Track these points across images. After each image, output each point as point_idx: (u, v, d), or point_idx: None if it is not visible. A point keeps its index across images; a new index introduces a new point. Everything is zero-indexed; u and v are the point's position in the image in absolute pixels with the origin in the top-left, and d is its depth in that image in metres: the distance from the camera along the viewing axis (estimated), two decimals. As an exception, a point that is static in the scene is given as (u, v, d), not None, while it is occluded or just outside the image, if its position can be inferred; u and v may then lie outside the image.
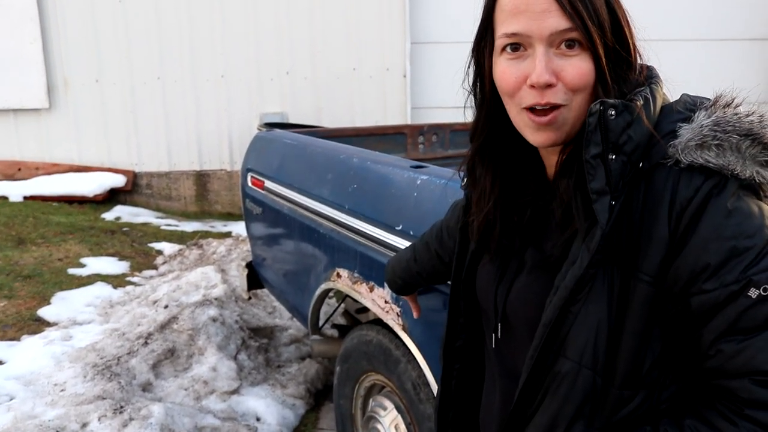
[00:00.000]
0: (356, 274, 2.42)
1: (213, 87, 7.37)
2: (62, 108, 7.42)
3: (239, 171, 5.16)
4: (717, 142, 0.89)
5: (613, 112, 0.92)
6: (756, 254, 0.86)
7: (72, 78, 7.35)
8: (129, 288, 4.81)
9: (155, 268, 5.42)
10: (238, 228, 6.46)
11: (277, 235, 3.23)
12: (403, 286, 1.69)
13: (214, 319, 3.72)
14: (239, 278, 3.92)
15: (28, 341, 3.82)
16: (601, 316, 0.94)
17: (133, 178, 7.54)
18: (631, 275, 0.93)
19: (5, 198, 6.96)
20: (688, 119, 0.94)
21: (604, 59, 0.94)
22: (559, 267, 0.99)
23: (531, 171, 1.12)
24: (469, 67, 1.11)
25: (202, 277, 4.40)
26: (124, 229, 6.44)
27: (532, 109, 0.97)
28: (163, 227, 6.71)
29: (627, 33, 0.97)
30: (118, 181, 7.39)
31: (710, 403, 0.91)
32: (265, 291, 3.83)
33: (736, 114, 0.92)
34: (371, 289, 2.32)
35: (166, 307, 4.06)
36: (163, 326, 3.71)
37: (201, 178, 7.58)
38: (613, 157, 0.92)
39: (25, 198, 6.99)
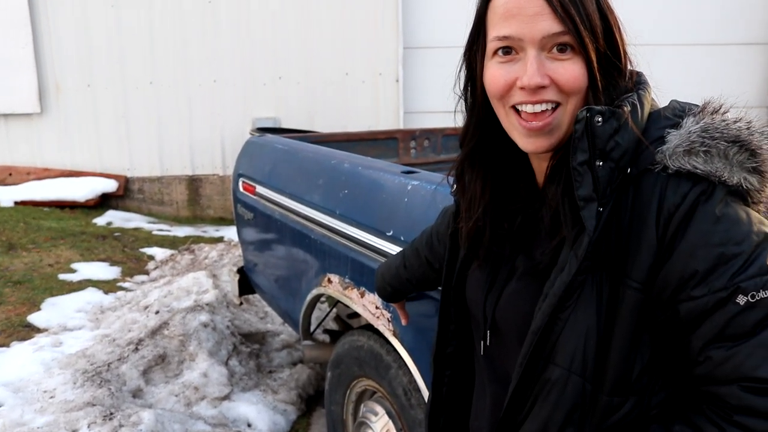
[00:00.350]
0: (347, 280, 2.42)
1: (205, 92, 7.36)
2: (54, 113, 7.40)
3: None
4: (705, 148, 0.89)
5: (600, 119, 0.91)
6: (744, 261, 0.86)
7: (64, 83, 7.33)
8: (120, 293, 4.79)
9: (147, 273, 5.40)
10: (231, 233, 6.44)
11: (268, 240, 3.22)
12: (392, 293, 1.68)
13: (205, 325, 3.70)
14: (231, 284, 3.90)
15: (18, 347, 3.79)
16: (590, 322, 0.94)
17: (125, 183, 7.51)
18: (619, 282, 0.93)
19: (-4, 203, 6.93)
20: (676, 125, 0.94)
21: (595, 64, 0.94)
22: (549, 274, 0.98)
23: (521, 177, 1.12)
24: (460, 71, 1.11)
25: (193, 282, 4.38)
26: (116, 234, 6.42)
27: (519, 112, 0.97)
28: (155, 232, 6.69)
29: (618, 39, 0.97)
30: (110, 186, 7.36)
31: (699, 409, 0.91)
32: (257, 296, 3.81)
33: (724, 120, 0.92)
34: (362, 295, 2.31)
35: (157, 312, 4.04)
36: (154, 332, 3.69)
37: (193, 182, 7.56)
38: (601, 163, 0.92)
39: (16, 203, 6.96)
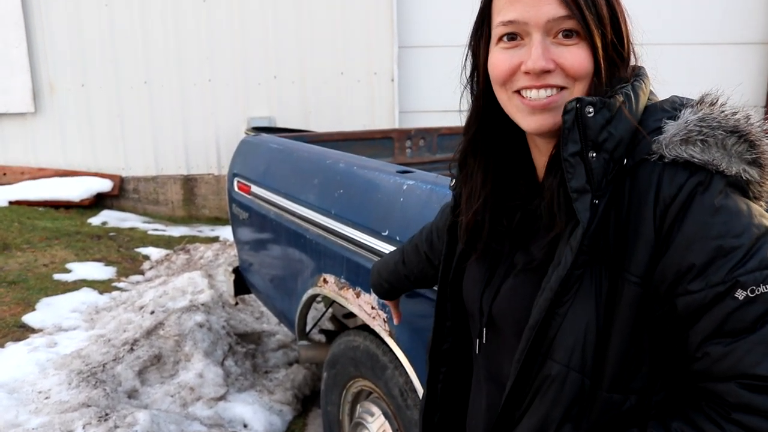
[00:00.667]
0: (343, 280, 2.41)
1: (200, 91, 7.34)
2: (48, 112, 7.37)
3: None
4: (702, 137, 0.88)
5: (591, 110, 0.91)
6: (743, 254, 0.84)
7: (58, 82, 7.31)
8: (115, 293, 4.78)
9: (142, 273, 5.39)
10: (226, 232, 6.43)
11: (263, 240, 3.21)
12: (389, 289, 1.66)
13: (200, 325, 3.69)
14: (226, 283, 3.90)
15: (12, 348, 3.77)
16: (589, 317, 0.93)
17: (120, 183, 7.49)
18: (618, 276, 0.92)
19: (-10, 203, 6.90)
20: (674, 117, 0.93)
21: (601, 51, 0.94)
22: (546, 269, 0.98)
23: (521, 173, 1.11)
24: (466, 60, 1.10)
25: (188, 282, 4.37)
26: (111, 234, 6.40)
27: (525, 96, 0.97)
28: (150, 232, 6.67)
29: (624, 28, 0.97)
30: (105, 185, 7.34)
31: (697, 405, 0.89)
32: (253, 296, 3.81)
33: (723, 111, 0.91)
34: (358, 295, 2.30)
35: (152, 312, 4.03)
36: (150, 332, 3.68)
37: (188, 182, 7.54)
38: (594, 155, 0.91)
39: (11, 203, 6.93)
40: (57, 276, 5.02)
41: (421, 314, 1.98)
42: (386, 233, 2.12)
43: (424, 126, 4.53)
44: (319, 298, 2.82)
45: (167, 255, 5.72)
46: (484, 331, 1.13)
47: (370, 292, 2.23)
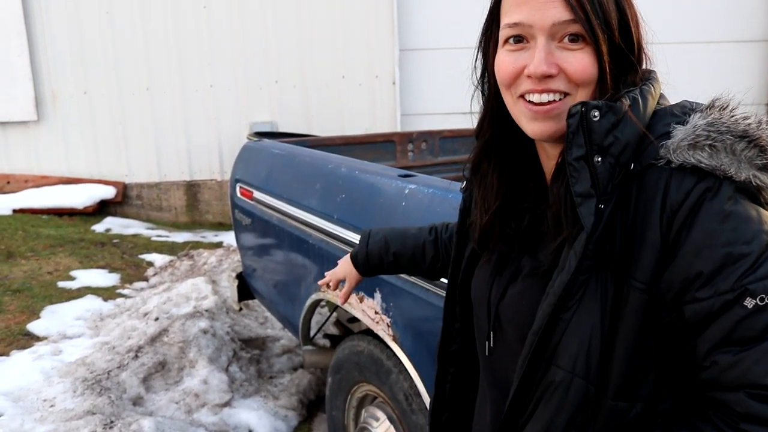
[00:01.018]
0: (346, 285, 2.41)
1: (202, 97, 7.35)
2: (51, 120, 7.38)
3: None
4: (710, 142, 0.86)
5: (596, 114, 0.89)
6: (753, 261, 0.82)
7: (60, 90, 7.32)
8: (119, 300, 4.78)
9: (146, 279, 5.39)
10: (229, 238, 6.43)
11: (266, 245, 3.21)
12: (392, 263, 1.55)
13: (204, 331, 3.69)
14: (230, 289, 3.90)
15: (17, 356, 3.78)
16: (593, 323, 0.91)
17: (123, 190, 7.50)
18: (624, 282, 0.91)
19: (-6, 211, 6.92)
20: (683, 122, 0.91)
21: (606, 56, 0.92)
22: (551, 274, 0.96)
23: (531, 176, 1.10)
24: (476, 61, 1.09)
25: (192, 288, 4.37)
26: (115, 240, 6.41)
27: (528, 101, 0.96)
28: (153, 238, 6.67)
29: (634, 33, 0.95)
30: (108, 192, 7.35)
31: (705, 415, 0.88)
32: (257, 301, 3.81)
33: (733, 116, 0.90)
34: (361, 300, 2.30)
35: (156, 319, 4.03)
36: (154, 339, 3.68)
37: (191, 188, 7.55)
38: (599, 159, 0.89)
39: (15, 211, 6.94)
40: (61, 283, 5.03)
41: (425, 318, 1.97)
42: (389, 238, 2.11)
43: (426, 129, 4.53)
44: (323, 303, 2.81)
45: (171, 261, 5.72)
46: (492, 334, 1.12)
47: (373, 297, 2.23)
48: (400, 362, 2.16)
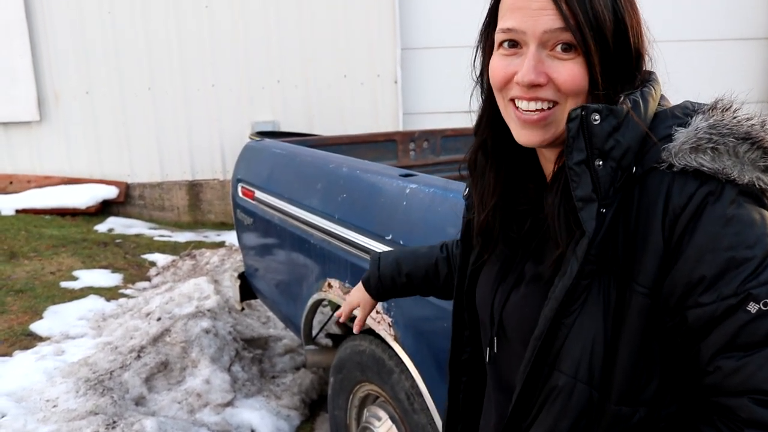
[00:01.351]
0: (347, 284, 2.41)
1: (204, 97, 7.36)
2: (53, 120, 7.39)
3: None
4: (712, 145, 0.86)
5: (597, 117, 0.89)
6: (756, 266, 0.82)
7: (62, 90, 7.33)
8: (122, 300, 4.78)
9: (148, 279, 5.40)
10: (232, 237, 6.43)
11: (268, 245, 3.21)
12: (405, 284, 1.51)
13: (207, 331, 3.69)
14: (232, 289, 3.90)
15: (20, 357, 3.79)
16: (596, 328, 0.91)
17: (126, 190, 7.51)
18: (626, 286, 0.90)
19: (-3, 212, 6.93)
20: (685, 124, 0.90)
21: (598, 66, 0.91)
22: (555, 275, 0.96)
23: (530, 177, 1.09)
24: (475, 59, 1.09)
25: (194, 288, 4.38)
26: (117, 240, 6.42)
27: (517, 106, 0.96)
28: (156, 238, 6.68)
29: (632, 41, 0.93)
30: (111, 192, 7.36)
31: (709, 419, 0.87)
32: (259, 301, 3.81)
33: (735, 117, 0.89)
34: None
35: (159, 319, 4.03)
36: (156, 339, 3.68)
37: (194, 187, 7.56)
38: (600, 163, 0.89)
39: (17, 211, 6.95)
40: (64, 284, 5.03)
41: (426, 318, 1.97)
42: (389, 237, 2.12)
43: (428, 128, 4.52)
44: (325, 302, 2.82)
45: (173, 261, 5.73)
46: (495, 340, 1.12)
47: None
48: (402, 362, 2.16)
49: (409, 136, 4.18)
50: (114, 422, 2.94)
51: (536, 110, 0.94)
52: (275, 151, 3.21)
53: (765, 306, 0.81)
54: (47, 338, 4.10)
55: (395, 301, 2.11)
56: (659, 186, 0.88)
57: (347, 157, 2.82)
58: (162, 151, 7.48)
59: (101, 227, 6.87)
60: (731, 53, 7.52)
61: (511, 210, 1.10)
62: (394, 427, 2.33)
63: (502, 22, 0.96)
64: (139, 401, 3.27)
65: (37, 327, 4.23)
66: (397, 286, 1.53)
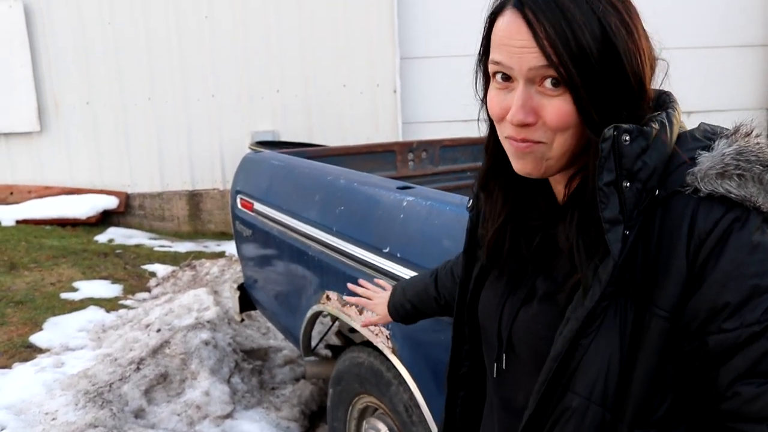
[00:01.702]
0: (345, 297, 2.41)
1: (204, 106, 7.37)
2: (53, 131, 7.41)
3: (231, 191, 5.14)
4: (739, 171, 0.85)
5: (627, 138, 0.87)
6: None
7: (63, 100, 7.35)
8: (122, 311, 4.79)
9: (148, 290, 5.40)
10: (232, 247, 6.42)
11: (267, 257, 3.21)
12: (410, 311, 1.58)
13: (206, 343, 3.69)
14: (232, 300, 3.90)
15: (20, 369, 3.78)
16: (612, 350, 0.90)
17: (126, 200, 7.52)
18: (645, 309, 0.89)
19: (-3, 222, 6.94)
20: (707, 147, 0.89)
21: (587, 99, 0.89)
22: (571, 298, 0.95)
23: (541, 192, 1.08)
24: (477, 82, 1.06)
25: (194, 299, 4.38)
26: (117, 251, 6.42)
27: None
28: (156, 248, 6.69)
29: (628, 66, 0.90)
30: (111, 202, 7.37)
31: None
32: (259, 311, 3.81)
33: (758, 144, 0.88)
34: (360, 312, 2.30)
35: (158, 331, 4.03)
36: (156, 351, 3.68)
37: (194, 197, 7.57)
38: (628, 184, 0.88)
39: (18, 222, 6.96)
40: (64, 295, 5.04)
41: (423, 330, 1.97)
42: (387, 250, 2.12)
43: (426, 138, 4.53)
44: (324, 314, 2.82)
45: (173, 271, 5.73)
46: (504, 357, 1.10)
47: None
48: (400, 374, 2.16)
49: (408, 147, 4.19)
50: (113, 435, 2.94)
51: (528, 140, 0.94)
52: (274, 163, 3.21)
53: None
54: (47, 350, 4.10)
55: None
56: (684, 210, 0.87)
57: (345, 169, 2.82)
58: (162, 161, 7.50)
59: (101, 237, 6.88)
60: (728, 60, 7.54)
61: (521, 225, 1.09)
62: (393, 439, 2.33)
63: (493, 54, 0.95)
64: (139, 414, 3.27)
65: (36, 339, 4.23)
66: (408, 312, 1.59)
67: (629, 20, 0.91)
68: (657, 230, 0.89)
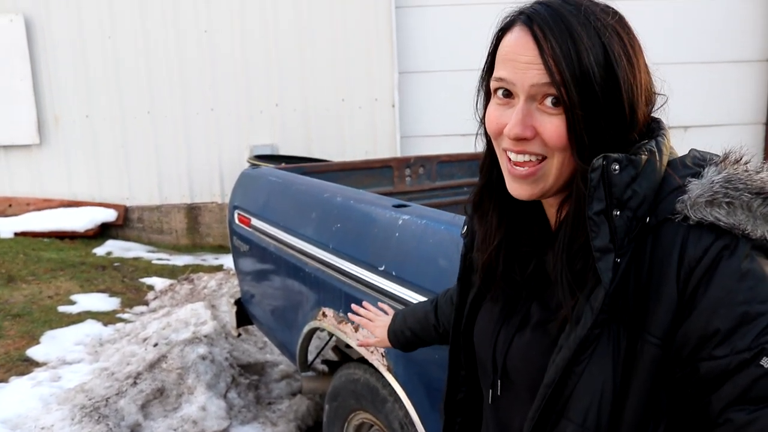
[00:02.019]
0: (341, 314, 2.42)
1: (203, 120, 7.40)
2: (53, 144, 7.44)
3: (229, 205, 5.15)
4: (728, 199, 0.86)
5: (617, 167, 0.88)
6: None
7: (62, 114, 7.38)
8: (119, 325, 4.79)
9: (146, 303, 5.40)
10: (230, 261, 6.41)
11: (264, 272, 3.23)
12: (411, 339, 1.58)
13: (203, 357, 3.70)
14: (229, 314, 3.91)
15: (16, 383, 3.78)
16: (605, 377, 0.91)
17: (125, 213, 7.53)
18: (637, 336, 0.90)
19: (-4, 235, 6.95)
20: (696, 174, 0.90)
21: (582, 122, 0.90)
22: (563, 326, 0.96)
23: (534, 218, 1.09)
24: (478, 101, 1.08)
25: (191, 313, 4.38)
26: (116, 264, 6.43)
27: (509, 157, 0.97)
28: (154, 261, 6.69)
29: (625, 96, 0.91)
30: (110, 215, 7.38)
31: None
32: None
33: (747, 171, 0.89)
34: (356, 329, 2.31)
35: (155, 345, 4.03)
36: (152, 365, 3.69)
37: (192, 211, 7.58)
38: (618, 213, 0.89)
39: (16, 234, 6.97)
40: (62, 308, 5.04)
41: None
42: (382, 268, 2.13)
43: (424, 153, 4.55)
44: (320, 329, 2.83)
45: (171, 285, 5.73)
46: (498, 383, 1.11)
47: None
48: (395, 391, 2.17)
49: (405, 162, 4.21)
50: (109, 450, 2.94)
51: (525, 163, 0.95)
52: (271, 179, 3.23)
53: None
54: (44, 364, 4.10)
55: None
56: (674, 237, 0.88)
57: (342, 186, 2.84)
58: (161, 175, 7.52)
59: (100, 250, 6.89)
60: (728, 75, 7.58)
61: (514, 250, 1.10)
62: (388, 456, 2.33)
63: (497, 71, 0.97)
64: (135, 429, 3.27)
65: (33, 352, 4.24)
66: (408, 340, 1.59)
67: (631, 51, 0.93)
68: (648, 257, 0.90)
